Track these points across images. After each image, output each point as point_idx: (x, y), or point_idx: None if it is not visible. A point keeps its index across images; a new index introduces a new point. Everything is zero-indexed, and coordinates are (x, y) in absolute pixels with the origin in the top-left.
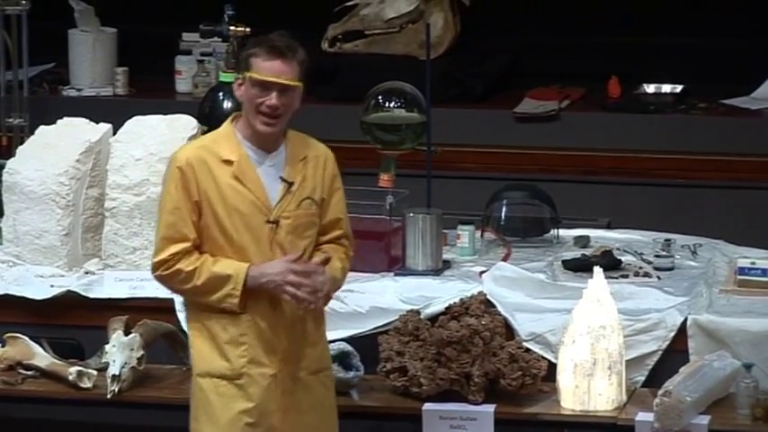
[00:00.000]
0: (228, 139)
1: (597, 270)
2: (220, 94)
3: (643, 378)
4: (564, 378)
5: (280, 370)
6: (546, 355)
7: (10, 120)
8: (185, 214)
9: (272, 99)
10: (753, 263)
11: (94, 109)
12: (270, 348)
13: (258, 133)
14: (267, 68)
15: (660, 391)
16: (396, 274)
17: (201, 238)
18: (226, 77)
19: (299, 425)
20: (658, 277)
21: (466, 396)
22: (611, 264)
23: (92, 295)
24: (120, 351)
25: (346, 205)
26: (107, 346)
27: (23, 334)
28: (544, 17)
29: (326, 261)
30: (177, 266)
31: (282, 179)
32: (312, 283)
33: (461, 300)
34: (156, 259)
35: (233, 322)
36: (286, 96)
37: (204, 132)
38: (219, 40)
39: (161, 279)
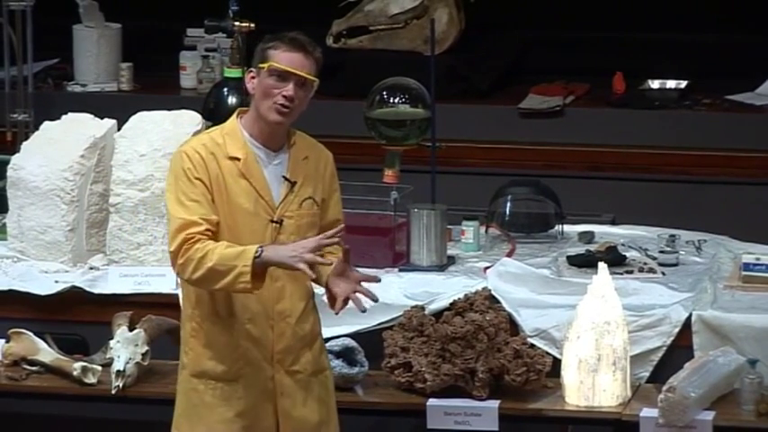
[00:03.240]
0: (234, 137)
1: (602, 266)
2: (225, 89)
3: (647, 374)
4: (568, 374)
5: (277, 371)
6: (550, 351)
7: (14, 115)
8: (201, 198)
9: (290, 90)
10: (757, 258)
11: (99, 104)
12: (266, 351)
13: (267, 126)
14: (288, 59)
15: (665, 387)
16: (400, 270)
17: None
18: (230, 73)
19: (299, 425)
20: (663, 273)
21: (470, 392)
22: (615, 259)
23: (96, 291)
24: (124, 347)
25: (351, 201)
26: (111, 342)
27: (28, 329)
28: (548, 13)
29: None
30: (190, 252)
31: (285, 178)
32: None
33: (466, 295)
34: (171, 248)
35: (229, 327)
36: (302, 90)
37: (208, 128)
38: (224, 35)
39: (180, 269)
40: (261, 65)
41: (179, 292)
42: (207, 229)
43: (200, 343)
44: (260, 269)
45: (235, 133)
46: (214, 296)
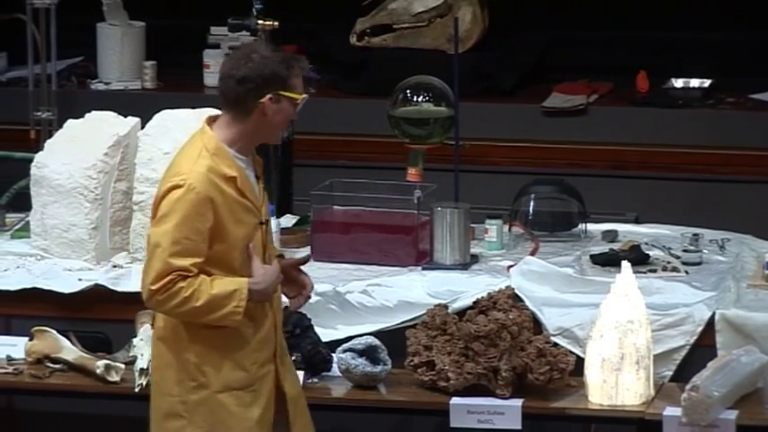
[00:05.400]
0: (222, 155)
1: (625, 264)
2: None
3: (671, 373)
4: (592, 372)
5: (278, 365)
6: (574, 350)
7: (38, 113)
8: (198, 241)
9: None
10: None
11: (122, 103)
12: (271, 349)
13: (258, 143)
14: (301, 88)
15: (688, 386)
16: (423, 269)
17: (207, 262)
18: None
19: (296, 400)
20: (686, 272)
21: (493, 390)
22: (639, 258)
23: (119, 289)
24: (147, 344)
25: (375, 199)
26: (135, 340)
27: (51, 327)
28: (572, 11)
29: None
30: (174, 288)
31: (258, 177)
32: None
33: (489, 294)
34: (152, 285)
35: (246, 332)
36: None
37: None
38: (248, 33)
39: (156, 303)
40: (284, 92)
41: None
42: (195, 274)
43: (218, 361)
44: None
45: (222, 153)
46: None
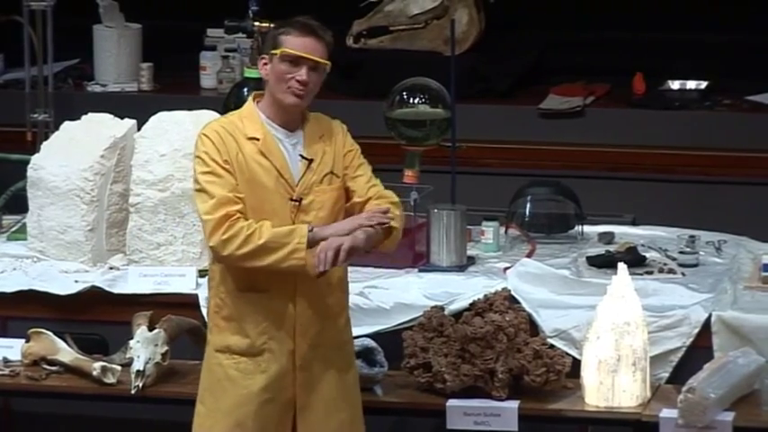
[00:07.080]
0: (252, 119)
1: (621, 266)
2: (245, 89)
3: (667, 374)
4: (588, 374)
5: (298, 345)
6: (570, 352)
7: (35, 115)
8: (229, 175)
9: (303, 74)
10: None
11: (119, 104)
12: (288, 324)
13: (284, 109)
14: (299, 45)
15: (684, 388)
16: (420, 270)
17: None
18: (250, 73)
19: (317, 399)
20: (683, 274)
21: (490, 392)
22: (635, 260)
23: (116, 291)
24: (144, 346)
25: None
26: (131, 342)
27: (48, 329)
28: (569, 13)
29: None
30: (236, 228)
31: (302, 157)
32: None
33: (485, 296)
34: (211, 222)
35: (252, 302)
36: (315, 73)
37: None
38: (244, 35)
39: (221, 244)
40: (273, 51)
41: (199, 291)
42: (243, 208)
43: (224, 318)
44: (311, 246)
45: (252, 116)
46: (238, 272)
